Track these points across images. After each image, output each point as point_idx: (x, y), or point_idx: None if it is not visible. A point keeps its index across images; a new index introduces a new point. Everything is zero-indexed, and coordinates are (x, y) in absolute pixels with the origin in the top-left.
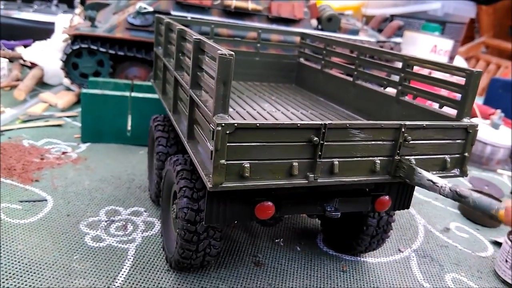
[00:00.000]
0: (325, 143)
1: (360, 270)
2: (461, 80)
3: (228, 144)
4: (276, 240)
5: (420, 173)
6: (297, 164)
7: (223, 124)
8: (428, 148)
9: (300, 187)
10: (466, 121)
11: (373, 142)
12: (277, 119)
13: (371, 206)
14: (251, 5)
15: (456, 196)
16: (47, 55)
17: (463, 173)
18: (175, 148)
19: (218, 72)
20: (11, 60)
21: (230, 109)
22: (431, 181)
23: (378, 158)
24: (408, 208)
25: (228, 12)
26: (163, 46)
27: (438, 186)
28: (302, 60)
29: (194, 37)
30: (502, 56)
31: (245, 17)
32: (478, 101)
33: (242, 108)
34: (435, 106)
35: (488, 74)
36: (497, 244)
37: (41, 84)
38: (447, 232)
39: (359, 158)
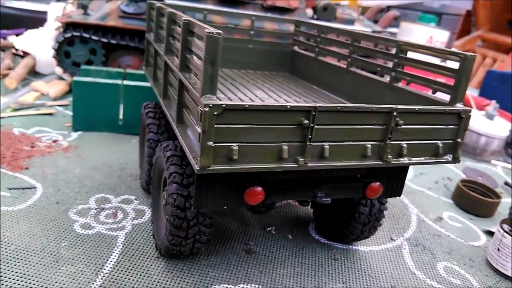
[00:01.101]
0: (316, 126)
1: (352, 258)
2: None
3: (216, 125)
4: (268, 228)
5: None
6: (287, 147)
7: (210, 105)
8: (420, 133)
9: (291, 172)
10: (459, 106)
11: (364, 126)
12: None
13: (362, 192)
14: None
15: None
16: (40, 44)
17: (455, 159)
18: (166, 135)
19: (205, 51)
20: (3, 49)
21: (222, 95)
22: None
23: (370, 142)
24: (400, 195)
25: (223, 0)
26: (154, 31)
27: None
28: (296, 48)
29: (183, 18)
30: (499, 50)
31: (240, 6)
32: (474, 93)
33: (234, 94)
34: (430, 93)
35: (484, 68)
36: (490, 233)
37: (33, 73)
38: (439, 222)
39: (350, 143)
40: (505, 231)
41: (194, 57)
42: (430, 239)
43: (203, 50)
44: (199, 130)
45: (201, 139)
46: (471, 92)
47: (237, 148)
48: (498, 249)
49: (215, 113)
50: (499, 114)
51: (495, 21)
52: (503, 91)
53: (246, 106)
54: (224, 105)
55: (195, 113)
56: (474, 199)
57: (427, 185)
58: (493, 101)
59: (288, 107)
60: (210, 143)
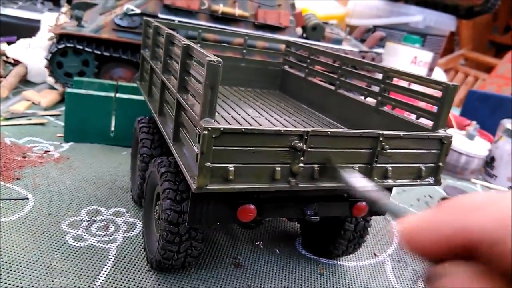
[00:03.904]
0: (307, 150)
1: (337, 273)
2: (438, 93)
3: (213, 147)
4: (256, 243)
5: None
6: (279, 168)
7: (209, 128)
8: (404, 157)
9: (282, 191)
10: (441, 132)
11: (352, 150)
12: (261, 125)
13: (349, 211)
14: (238, 11)
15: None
16: (32, 53)
17: (437, 182)
18: (159, 150)
19: (206, 78)
20: None
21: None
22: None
23: (357, 165)
24: (384, 214)
25: (215, 17)
26: (150, 49)
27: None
28: (286, 67)
29: (183, 42)
30: (480, 69)
31: (232, 23)
32: (455, 112)
33: (227, 112)
34: (413, 117)
35: (466, 86)
36: None
37: (24, 82)
38: None
39: (338, 165)
40: None
41: (192, 79)
42: (411, 255)
43: (203, 75)
44: (196, 150)
45: (199, 160)
46: (453, 111)
47: (233, 169)
48: None
49: (214, 136)
50: (479, 134)
51: (477, 40)
52: (483, 111)
53: (243, 130)
54: (222, 129)
55: (192, 134)
56: None
57: (409, 202)
58: (474, 122)
59: (282, 131)
60: (208, 164)
